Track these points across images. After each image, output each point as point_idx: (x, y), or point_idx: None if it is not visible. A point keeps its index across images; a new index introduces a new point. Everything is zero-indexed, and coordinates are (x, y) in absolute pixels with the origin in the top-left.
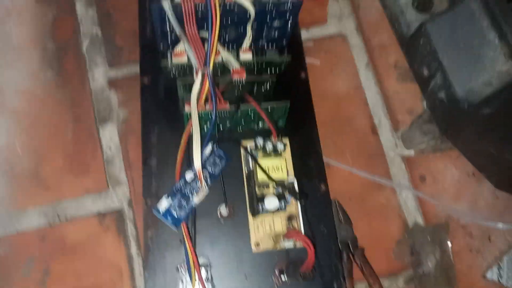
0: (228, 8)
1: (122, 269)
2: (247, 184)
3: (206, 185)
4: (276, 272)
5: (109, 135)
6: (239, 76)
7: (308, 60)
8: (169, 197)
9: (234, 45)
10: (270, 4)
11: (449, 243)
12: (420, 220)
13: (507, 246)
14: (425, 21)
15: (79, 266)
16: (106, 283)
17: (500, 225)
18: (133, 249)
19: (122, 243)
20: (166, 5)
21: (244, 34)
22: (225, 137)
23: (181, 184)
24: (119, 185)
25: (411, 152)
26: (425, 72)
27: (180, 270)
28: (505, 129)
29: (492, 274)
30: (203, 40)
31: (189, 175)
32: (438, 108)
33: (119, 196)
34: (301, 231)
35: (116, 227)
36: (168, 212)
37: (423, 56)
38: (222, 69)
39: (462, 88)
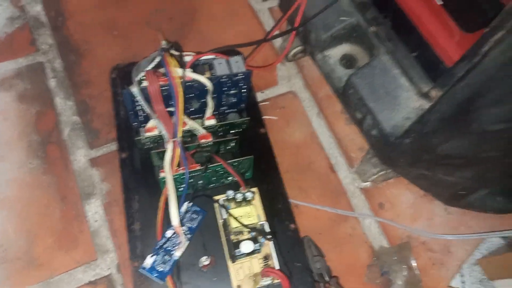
0: (189, 85)
1: None
2: (223, 233)
3: (186, 239)
4: None
5: (94, 209)
6: (206, 139)
7: (266, 116)
8: (153, 255)
9: (198, 113)
10: (225, 77)
11: (413, 261)
12: (385, 243)
13: (466, 255)
14: (351, 75)
15: None
16: None
17: (454, 237)
18: None
19: None
20: (135, 90)
21: (206, 105)
22: (200, 194)
23: (163, 242)
24: (107, 253)
25: (367, 184)
26: (358, 115)
27: None
28: (428, 153)
29: (456, 283)
30: (171, 114)
31: (169, 233)
32: (374, 144)
33: (107, 263)
34: (275, 267)
35: None
36: (153, 268)
37: (354, 103)
38: (190, 135)
39: (388, 125)
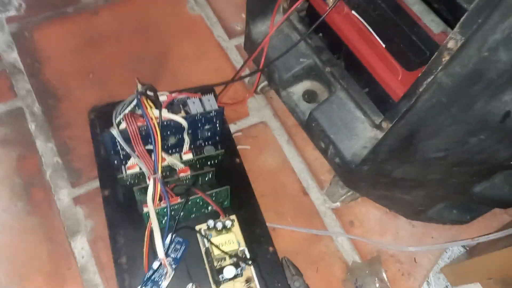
0: (165, 124)
1: None
2: (206, 261)
3: (171, 269)
4: None
5: (80, 246)
6: (184, 173)
7: (240, 147)
8: (142, 287)
9: (176, 149)
10: (198, 115)
11: (383, 273)
12: (357, 258)
13: (431, 264)
14: (312, 109)
15: None
16: None
17: (419, 248)
18: None
19: None
20: (115, 132)
21: (183, 140)
22: (182, 225)
23: (151, 273)
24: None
25: (337, 204)
26: (322, 145)
27: None
28: (385, 177)
29: None
30: (150, 152)
31: (156, 264)
32: (338, 169)
33: None
34: None
35: None
36: None
37: (318, 134)
38: (169, 170)
39: (348, 153)
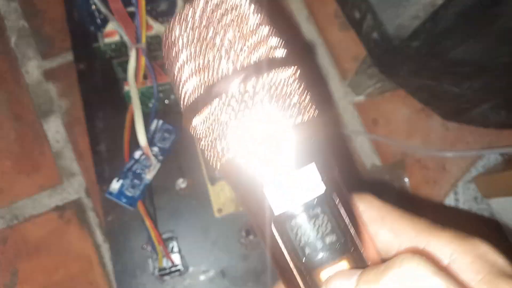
0: None
1: (91, 258)
2: (202, 154)
3: (156, 160)
4: (243, 233)
5: (55, 128)
6: None
7: None
8: (120, 179)
9: (169, 17)
10: None
11: (406, 178)
12: (377, 162)
13: (461, 173)
14: None
15: (46, 262)
16: (77, 274)
17: (451, 154)
18: (99, 237)
19: (86, 232)
20: None
21: (175, 5)
22: (174, 111)
23: (131, 164)
24: (73, 177)
25: (361, 98)
26: (357, 14)
27: (146, 248)
28: (438, 59)
29: (450, 201)
30: (133, 16)
31: (138, 154)
32: (374, 49)
33: (75, 187)
34: None
35: (78, 218)
36: (121, 193)
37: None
38: (159, 42)
39: (392, 25)
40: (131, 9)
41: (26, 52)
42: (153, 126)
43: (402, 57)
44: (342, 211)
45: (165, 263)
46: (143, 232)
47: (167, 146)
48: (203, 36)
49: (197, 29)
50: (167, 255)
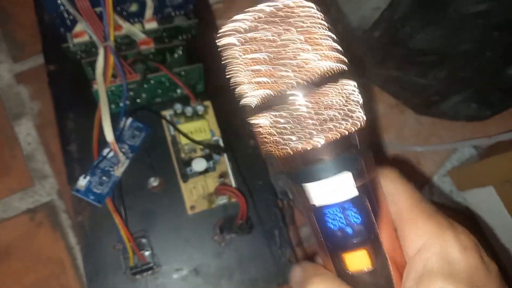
0: None
1: (63, 261)
2: (173, 151)
3: (125, 157)
4: (217, 231)
5: (26, 131)
6: (147, 45)
7: (220, 22)
8: (87, 176)
9: (139, 18)
10: None
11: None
12: None
13: (436, 167)
14: None
15: (16, 266)
16: (49, 278)
17: (425, 148)
18: (72, 239)
19: (58, 235)
20: None
21: (145, 5)
22: (145, 109)
23: (99, 160)
24: (45, 179)
25: None
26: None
27: (117, 247)
28: (400, 47)
29: (425, 195)
30: (101, 16)
31: (106, 151)
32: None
33: (47, 190)
34: (232, 186)
35: (50, 221)
36: (89, 190)
37: None
38: (129, 42)
39: (355, 18)
40: (100, 9)
41: None
42: (122, 123)
43: (366, 48)
44: (370, 212)
45: (136, 262)
46: (114, 232)
47: (137, 143)
48: None
49: None
50: (138, 253)
